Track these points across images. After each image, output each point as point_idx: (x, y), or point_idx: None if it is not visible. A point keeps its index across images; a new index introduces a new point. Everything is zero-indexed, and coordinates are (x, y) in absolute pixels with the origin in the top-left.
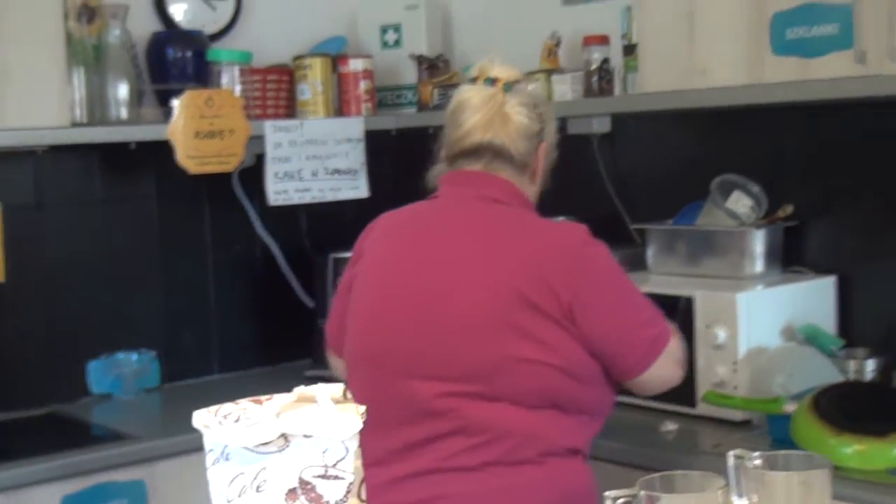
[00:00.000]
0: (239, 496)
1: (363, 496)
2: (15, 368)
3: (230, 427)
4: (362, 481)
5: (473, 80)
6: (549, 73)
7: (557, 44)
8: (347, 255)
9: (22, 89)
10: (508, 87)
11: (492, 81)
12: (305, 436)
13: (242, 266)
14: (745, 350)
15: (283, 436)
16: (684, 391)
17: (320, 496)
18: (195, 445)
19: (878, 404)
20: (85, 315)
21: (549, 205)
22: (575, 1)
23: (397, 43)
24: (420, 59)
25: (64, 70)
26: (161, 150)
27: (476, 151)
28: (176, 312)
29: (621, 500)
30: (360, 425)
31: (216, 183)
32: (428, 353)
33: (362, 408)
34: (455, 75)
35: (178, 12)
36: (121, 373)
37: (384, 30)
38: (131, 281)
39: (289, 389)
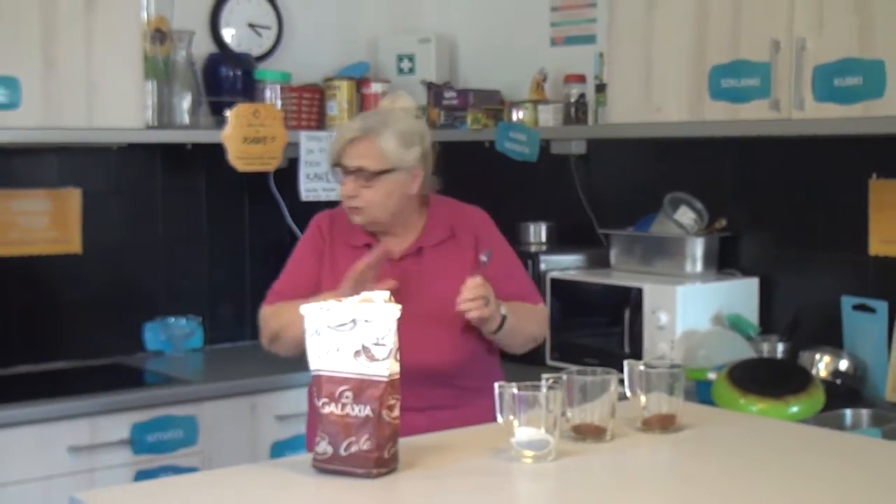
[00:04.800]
0: (326, 354)
1: (398, 357)
2: (86, 325)
3: (322, 314)
4: (398, 349)
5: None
6: (536, 102)
7: (544, 79)
8: None
9: (107, 97)
10: None
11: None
12: (366, 320)
13: (273, 249)
14: (681, 331)
15: (353, 320)
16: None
17: (374, 356)
18: (235, 391)
19: (779, 375)
20: (143, 284)
21: (533, 211)
22: (559, 44)
23: (411, 70)
24: (429, 85)
25: (140, 82)
26: (212, 152)
27: None
28: (218, 286)
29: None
30: (398, 314)
31: (255, 180)
32: None
33: (399, 306)
34: (504, 109)
35: (230, 37)
36: (171, 334)
37: (400, 58)
38: (182, 258)
39: None
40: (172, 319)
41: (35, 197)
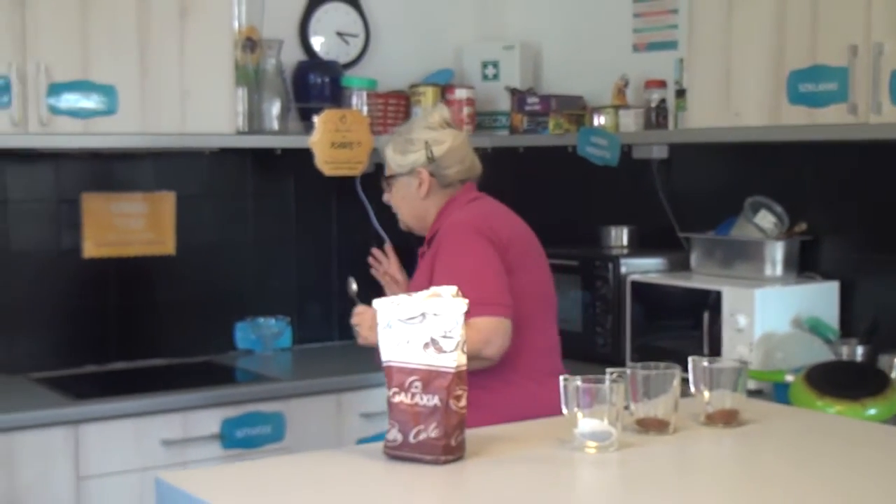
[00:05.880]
0: (397, 346)
1: (464, 350)
2: (179, 324)
3: (393, 308)
4: (464, 342)
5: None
6: (617, 108)
7: (626, 84)
8: None
9: (199, 104)
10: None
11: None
12: (435, 314)
13: (360, 251)
14: (760, 334)
15: (423, 313)
16: None
17: (441, 347)
18: (321, 388)
19: (857, 377)
20: (235, 285)
21: (614, 215)
22: (642, 50)
23: (495, 77)
24: (513, 91)
25: (232, 89)
26: (301, 156)
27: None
28: (306, 287)
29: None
30: (465, 308)
31: (342, 184)
32: None
33: (466, 300)
34: (586, 114)
35: (318, 45)
36: (261, 334)
37: (485, 65)
38: (272, 260)
39: None
40: (262, 319)
41: (132, 200)
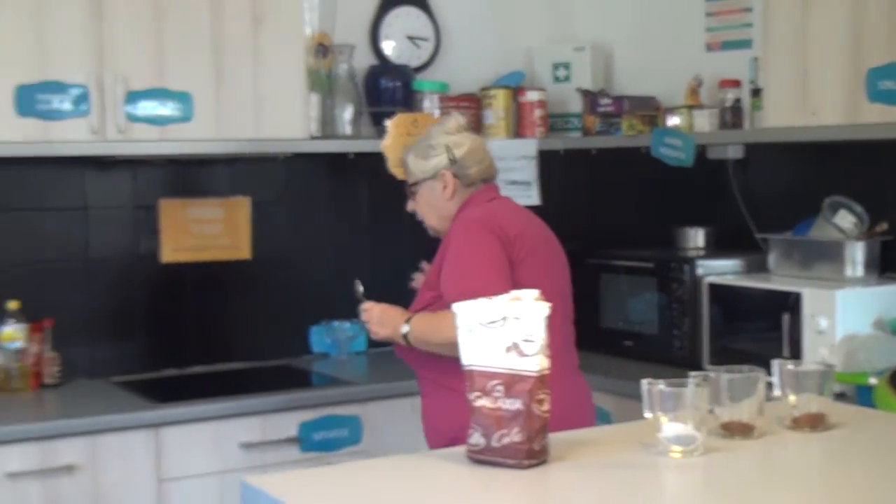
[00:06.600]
0: (478, 349)
1: (547, 353)
2: (255, 328)
3: (474, 311)
4: (548, 345)
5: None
6: (691, 108)
7: (700, 84)
8: None
9: (273, 109)
10: None
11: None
12: (516, 318)
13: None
14: (841, 336)
15: (504, 317)
16: None
17: (523, 351)
18: (397, 392)
19: None
20: (310, 289)
21: (689, 217)
22: (715, 49)
23: (567, 78)
24: (585, 93)
25: (304, 95)
26: (373, 160)
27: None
28: (381, 291)
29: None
30: (547, 312)
31: None
32: None
33: (549, 304)
34: (659, 115)
35: (390, 50)
36: (336, 337)
37: (556, 67)
38: (346, 263)
39: None
40: (337, 323)
41: (208, 205)
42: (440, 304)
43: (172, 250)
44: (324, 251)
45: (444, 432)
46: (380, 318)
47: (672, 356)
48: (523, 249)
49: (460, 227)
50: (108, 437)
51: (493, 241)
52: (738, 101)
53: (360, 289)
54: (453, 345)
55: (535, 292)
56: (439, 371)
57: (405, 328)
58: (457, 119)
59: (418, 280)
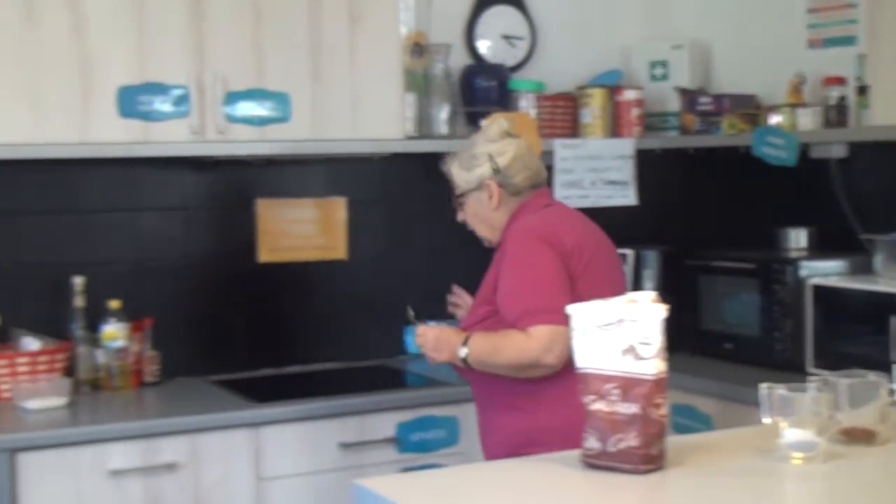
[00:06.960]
0: (593, 352)
1: (664, 357)
2: (350, 328)
3: (589, 314)
4: (665, 348)
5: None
6: (794, 106)
7: (802, 82)
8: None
9: (370, 110)
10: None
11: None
12: (633, 320)
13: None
14: None
15: (620, 319)
16: None
17: (640, 355)
18: None
19: None
20: (404, 288)
21: (791, 217)
22: (817, 46)
23: (664, 77)
24: (683, 91)
25: (401, 95)
26: None
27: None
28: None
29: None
30: (665, 314)
31: None
32: None
33: (665, 305)
34: (761, 113)
35: (485, 49)
36: None
37: (653, 65)
38: (441, 263)
39: None
40: (431, 322)
41: (304, 206)
42: (496, 319)
43: (269, 250)
44: (419, 251)
45: (505, 447)
46: (435, 343)
47: (774, 359)
48: (582, 261)
49: (515, 238)
50: (209, 435)
51: (551, 254)
52: (842, 98)
53: (412, 313)
54: (515, 367)
55: (651, 294)
56: (503, 391)
57: (463, 351)
58: (499, 124)
59: (458, 306)
